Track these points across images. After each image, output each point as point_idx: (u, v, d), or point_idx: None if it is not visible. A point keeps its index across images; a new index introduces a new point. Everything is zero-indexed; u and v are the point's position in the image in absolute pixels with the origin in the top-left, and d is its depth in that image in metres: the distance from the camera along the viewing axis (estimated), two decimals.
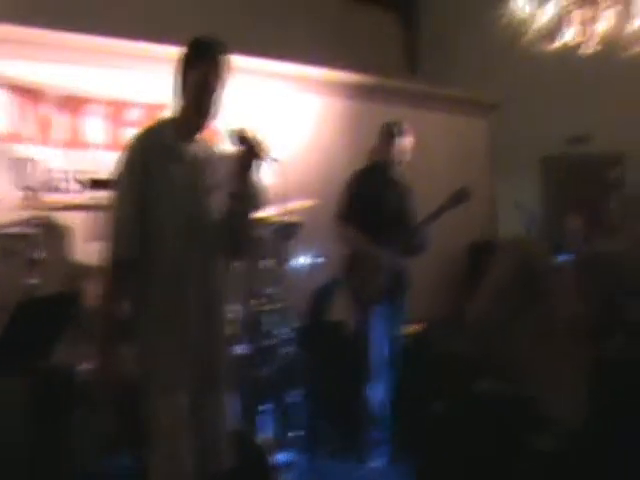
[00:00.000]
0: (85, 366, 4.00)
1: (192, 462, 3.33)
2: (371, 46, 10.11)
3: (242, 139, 3.49)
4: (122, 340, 3.39)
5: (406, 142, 5.73)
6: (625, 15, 5.95)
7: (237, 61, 6.33)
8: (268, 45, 7.25)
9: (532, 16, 5.83)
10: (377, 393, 5.59)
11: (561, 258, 6.31)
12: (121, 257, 3.35)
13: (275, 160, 3.61)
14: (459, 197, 5.76)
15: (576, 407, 1.86)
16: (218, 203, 3.52)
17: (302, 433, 5.28)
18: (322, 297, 5.70)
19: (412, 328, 6.78)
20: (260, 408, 5.07)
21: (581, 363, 1.90)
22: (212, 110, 3.42)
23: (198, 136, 3.50)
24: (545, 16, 5.87)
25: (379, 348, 5.58)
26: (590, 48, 6.09)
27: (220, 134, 6.08)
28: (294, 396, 5.39)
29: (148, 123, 3.69)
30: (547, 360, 1.82)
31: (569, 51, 6.11)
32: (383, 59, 10.15)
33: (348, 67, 7.69)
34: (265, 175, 5.67)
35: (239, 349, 5.18)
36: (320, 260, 5.80)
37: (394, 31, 11.18)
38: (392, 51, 11.01)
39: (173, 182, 3.38)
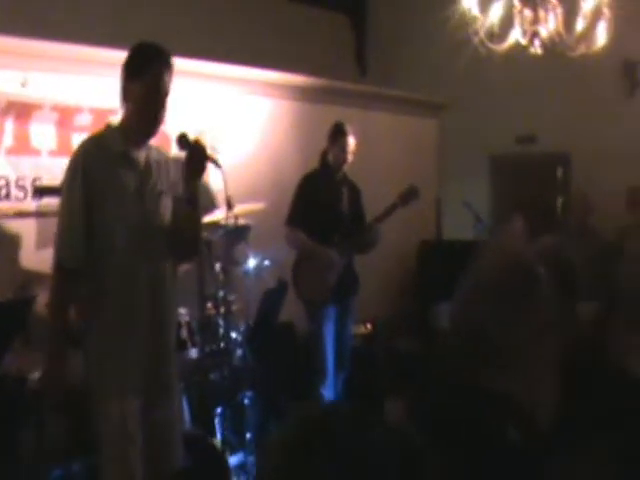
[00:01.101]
0: (36, 374, 3.99)
1: (142, 466, 3.35)
2: (322, 48, 10.14)
3: (186, 144, 3.53)
4: (71, 346, 3.41)
5: (350, 142, 5.77)
6: (571, 17, 6.03)
7: (187, 65, 6.38)
8: (217, 48, 7.27)
9: (480, 17, 5.89)
10: (328, 392, 5.63)
11: None
12: (65, 262, 3.36)
13: (218, 165, 3.64)
14: (408, 196, 5.83)
15: (548, 403, 1.89)
16: (168, 208, 3.55)
17: (254, 435, 5.29)
18: (271, 299, 5.72)
19: (362, 327, 6.84)
20: (213, 411, 5.09)
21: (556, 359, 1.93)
22: (160, 118, 3.45)
23: (148, 142, 3.53)
24: (493, 17, 5.93)
25: (329, 348, 5.62)
26: (537, 49, 6.17)
27: (170, 139, 6.11)
28: (246, 398, 5.42)
29: (98, 128, 3.70)
30: (525, 357, 1.84)
31: (517, 52, 6.18)
32: (334, 61, 10.19)
33: (298, 69, 7.71)
34: (213, 179, 5.73)
35: (191, 352, 5.19)
36: (269, 262, 5.82)
37: (344, 33, 11.22)
38: (343, 53, 11.05)
39: (122, 188, 3.40)
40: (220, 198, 5.85)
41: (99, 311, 3.40)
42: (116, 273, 3.39)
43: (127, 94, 3.45)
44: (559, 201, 9.16)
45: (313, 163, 6.01)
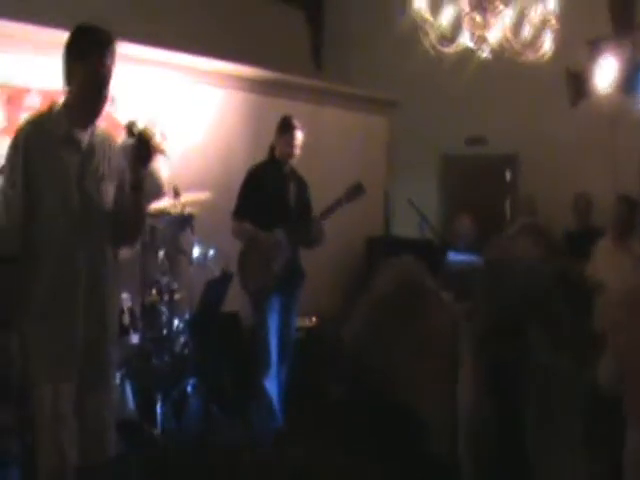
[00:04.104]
0: None
1: (75, 449, 3.35)
2: (277, 41, 10.15)
3: (135, 131, 3.54)
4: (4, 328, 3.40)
5: (297, 136, 5.81)
6: (519, 24, 6.13)
7: (139, 51, 6.35)
8: (170, 36, 7.25)
9: (430, 20, 5.96)
10: (271, 383, 5.66)
11: (451, 256, 6.51)
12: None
13: (166, 155, 3.66)
14: (354, 192, 5.87)
15: (439, 412, 1.96)
16: (109, 192, 3.55)
17: (196, 422, 5.32)
18: (215, 289, 5.74)
19: (307, 321, 6.89)
20: (155, 397, 5.10)
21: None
22: (102, 100, 3.45)
23: (94, 125, 3.52)
24: (444, 19, 6.00)
25: (273, 339, 5.65)
26: (486, 52, 6.25)
27: (120, 125, 6.09)
28: (189, 385, 5.44)
29: (49, 103, 3.68)
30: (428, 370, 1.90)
31: (467, 54, 6.26)
32: (289, 55, 10.21)
33: (251, 61, 7.72)
34: (161, 167, 5.74)
35: (133, 339, 5.20)
36: (215, 252, 5.84)
37: (301, 27, 11.25)
38: (299, 47, 11.08)
39: (63, 170, 3.40)
40: (167, 186, 5.88)
41: (35, 293, 3.38)
42: (53, 255, 3.37)
43: (69, 76, 3.44)
44: (507, 202, 9.29)
45: (262, 155, 6.00)
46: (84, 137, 3.47)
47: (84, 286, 3.42)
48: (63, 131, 3.42)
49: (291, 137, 5.77)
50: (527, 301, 2.52)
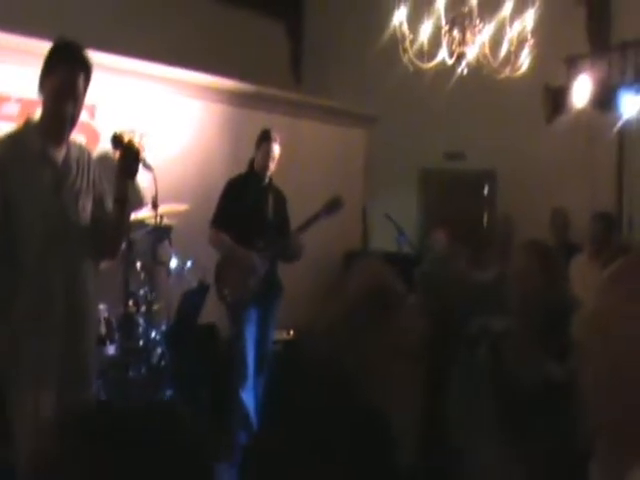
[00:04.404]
0: None
1: None
2: (257, 54, 10.18)
3: (120, 144, 3.53)
4: None
5: (274, 149, 5.82)
6: (497, 40, 6.18)
7: (119, 62, 6.35)
8: (150, 47, 7.24)
9: (409, 35, 5.99)
10: (248, 395, 5.65)
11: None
12: None
13: (149, 167, 3.65)
14: (332, 206, 5.88)
15: (410, 415, 1.97)
16: (87, 206, 3.54)
17: None
18: (191, 300, 5.73)
19: (284, 334, 6.87)
20: None
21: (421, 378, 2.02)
22: (70, 117, 3.43)
23: (68, 140, 3.51)
24: (423, 35, 6.04)
25: (250, 351, 5.64)
26: (464, 68, 6.30)
27: (98, 134, 6.08)
28: (164, 397, 5.41)
29: (25, 118, 3.68)
30: (394, 376, 1.91)
31: (446, 69, 6.31)
32: (268, 67, 10.23)
33: (230, 73, 7.73)
34: (141, 178, 5.72)
35: (110, 350, 5.17)
36: (192, 263, 5.83)
37: (280, 40, 11.30)
38: (278, 60, 11.11)
39: (39, 187, 3.38)
40: (148, 197, 5.86)
41: (14, 307, 3.36)
42: (31, 271, 3.36)
43: (41, 91, 3.43)
44: (485, 217, 9.35)
45: (241, 168, 6.02)
46: (59, 153, 3.46)
47: (62, 300, 3.40)
48: (38, 149, 3.41)
49: (268, 149, 5.78)
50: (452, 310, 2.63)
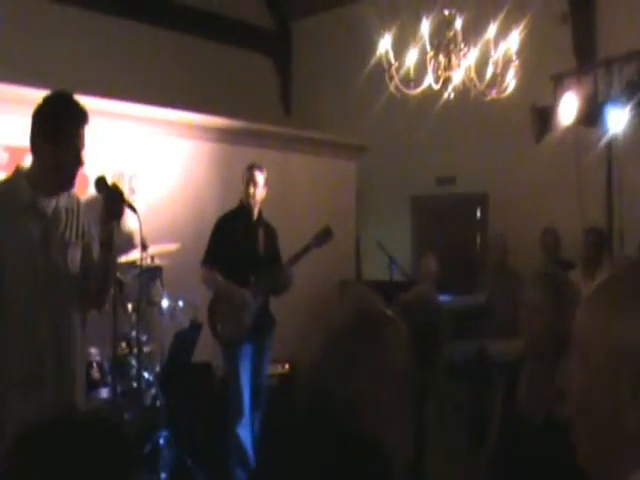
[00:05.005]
0: None
1: None
2: (246, 89, 10.26)
3: (104, 187, 3.52)
4: None
5: (256, 174, 5.84)
6: (482, 63, 6.22)
7: (107, 105, 6.40)
8: (137, 89, 7.31)
9: (395, 63, 6.03)
10: (244, 432, 5.63)
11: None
12: None
13: (135, 210, 3.64)
14: (323, 237, 5.89)
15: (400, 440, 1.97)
16: (76, 257, 3.53)
17: (169, 475, 5.27)
18: (184, 340, 5.73)
19: (279, 367, 6.86)
20: None
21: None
22: (73, 180, 3.42)
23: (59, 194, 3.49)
24: (409, 61, 6.07)
25: (246, 387, 5.64)
26: (452, 93, 6.33)
27: (88, 179, 6.10)
28: (161, 438, 5.40)
29: (14, 166, 3.64)
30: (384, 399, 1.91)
31: (433, 95, 6.34)
32: (258, 102, 10.31)
33: (219, 109, 7.77)
34: (130, 219, 5.74)
35: (103, 393, 5.17)
36: (184, 303, 5.84)
37: (269, 75, 11.39)
38: (267, 94, 11.19)
39: (27, 239, 3.36)
40: (137, 239, 5.88)
41: (2, 364, 3.33)
42: (18, 322, 3.34)
43: (39, 151, 3.36)
44: (477, 240, 9.36)
45: (231, 205, 6.04)
46: (49, 204, 3.42)
47: (50, 353, 3.38)
48: (27, 200, 3.37)
49: (250, 176, 5.82)
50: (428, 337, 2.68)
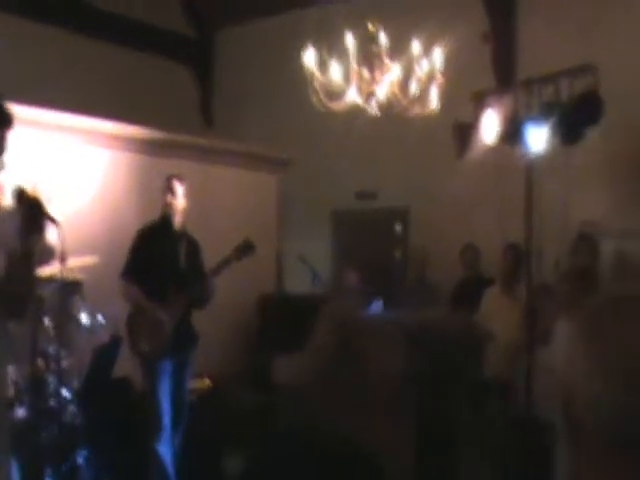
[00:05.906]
0: None
1: None
2: (165, 99, 10.13)
3: (23, 199, 3.41)
4: None
5: (174, 184, 5.78)
6: (406, 79, 6.25)
7: (22, 112, 6.19)
8: (54, 96, 7.13)
9: (318, 76, 6.02)
10: (165, 448, 5.52)
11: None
12: None
13: (55, 222, 3.54)
14: (243, 250, 5.85)
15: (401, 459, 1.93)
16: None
17: None
18: (103, 355, 5.60)
19: (201, 382, 6.77)
20: (42, 473, 4.90)
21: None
22: None
23: None
24: (333, 75, 6.07)
25: (166, 403, 5.53)
26: (374, 109, 6.34)
27: (6, 190, 5.91)
28: (80, 457, 5.26)
29: None
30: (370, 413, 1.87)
31: (357, 109, 6.35)
32: (178, 112, 10.18)
33: (139, 120, 7.63)
34: (48, 232, 5.58)
35: (19, 412, 5.00)
36: (103, 317, 5.70)
37: (189, 85, 11.26)
38: (188, 105, 11.07)
39: None
40: (57, 251, 5.72)
41: None
42: None
43: None
44: (397, 255, 9.42)
45: (151, 217, 5.94)
46: None
47: None
48: None
49: (169, 186, 5.75)
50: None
